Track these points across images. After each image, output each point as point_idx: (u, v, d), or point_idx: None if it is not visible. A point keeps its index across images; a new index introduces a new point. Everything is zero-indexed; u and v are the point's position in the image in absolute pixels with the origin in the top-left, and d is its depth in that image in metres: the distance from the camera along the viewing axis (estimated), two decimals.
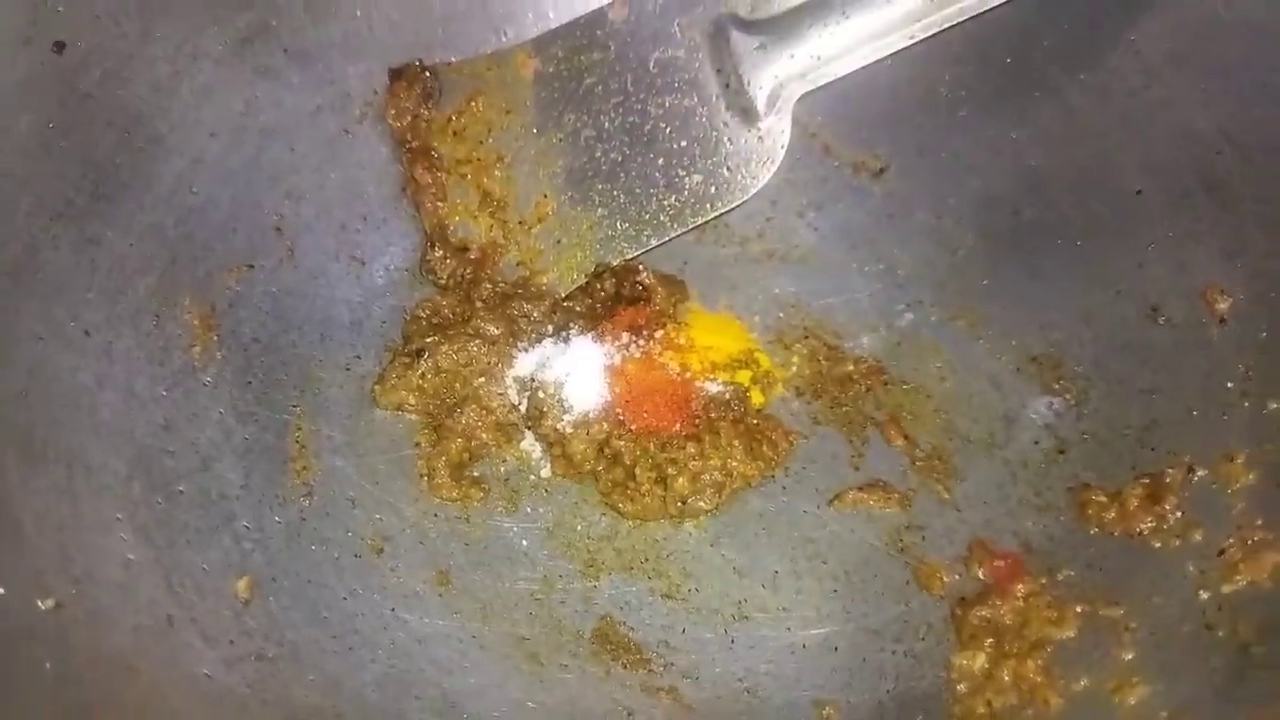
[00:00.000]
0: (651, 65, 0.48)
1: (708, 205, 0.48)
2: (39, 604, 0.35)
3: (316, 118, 0.52)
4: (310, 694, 0.39)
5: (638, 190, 0.48)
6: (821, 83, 0.45)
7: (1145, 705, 0.36)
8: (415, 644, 0.43)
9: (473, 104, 0.51)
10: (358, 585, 0.44)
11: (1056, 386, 0.48)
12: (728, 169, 0.47)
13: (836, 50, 0.44)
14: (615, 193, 0.49)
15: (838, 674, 0.42)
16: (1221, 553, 0.37)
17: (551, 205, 0.50)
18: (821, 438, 0.49)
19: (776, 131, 0.46)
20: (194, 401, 0.46)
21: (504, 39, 0.55)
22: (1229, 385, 0.42)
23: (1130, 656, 0.38)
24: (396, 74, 0.51)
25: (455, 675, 0.42)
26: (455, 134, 0.51)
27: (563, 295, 0.49)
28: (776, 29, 0.45)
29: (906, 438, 0.48)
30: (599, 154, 0.49)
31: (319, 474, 0.47)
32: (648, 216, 0.49)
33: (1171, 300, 0.43)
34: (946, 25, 0.42)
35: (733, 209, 0.48)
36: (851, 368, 0.50)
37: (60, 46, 0.44)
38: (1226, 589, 0.36)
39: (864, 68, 0.51)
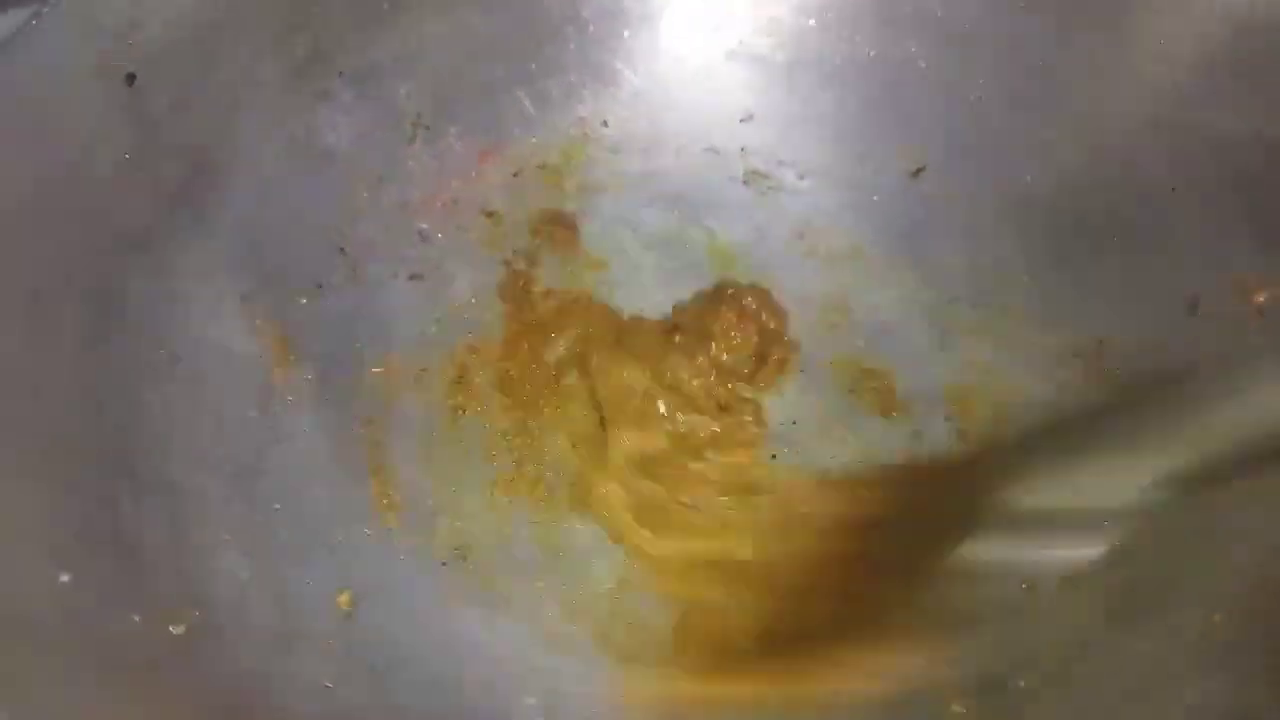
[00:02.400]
0: None
1: None
2: (171, 629, 0.37)
3: (371, 138, 0.53)
4: (422, 700, 0.41)
5: None
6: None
7: None
8: (508, 645, 0.44)
9: None
10: (448, 592, 0.46)
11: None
12: None
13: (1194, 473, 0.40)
14: None
15: None
16: None
17: None
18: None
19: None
20: (279, 422, 0.47)
21: (545, 55, 0.57)
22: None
23: None
24: None
25: (554, 674, 0.44)
26: None
27: None
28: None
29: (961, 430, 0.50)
30: None
31: (399, 485, 0.49)
32: None
33: (1209, 294, 0.44)
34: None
35: None
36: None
37: (131, 78, 0.46)
38: None
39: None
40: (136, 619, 0.36)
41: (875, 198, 0.56)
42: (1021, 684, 0.41)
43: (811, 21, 0.56)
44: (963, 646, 0.43)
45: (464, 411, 0.51)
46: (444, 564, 0.47)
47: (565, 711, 0.43)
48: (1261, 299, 0.44)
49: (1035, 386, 0.50)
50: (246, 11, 0.49)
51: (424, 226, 0.55)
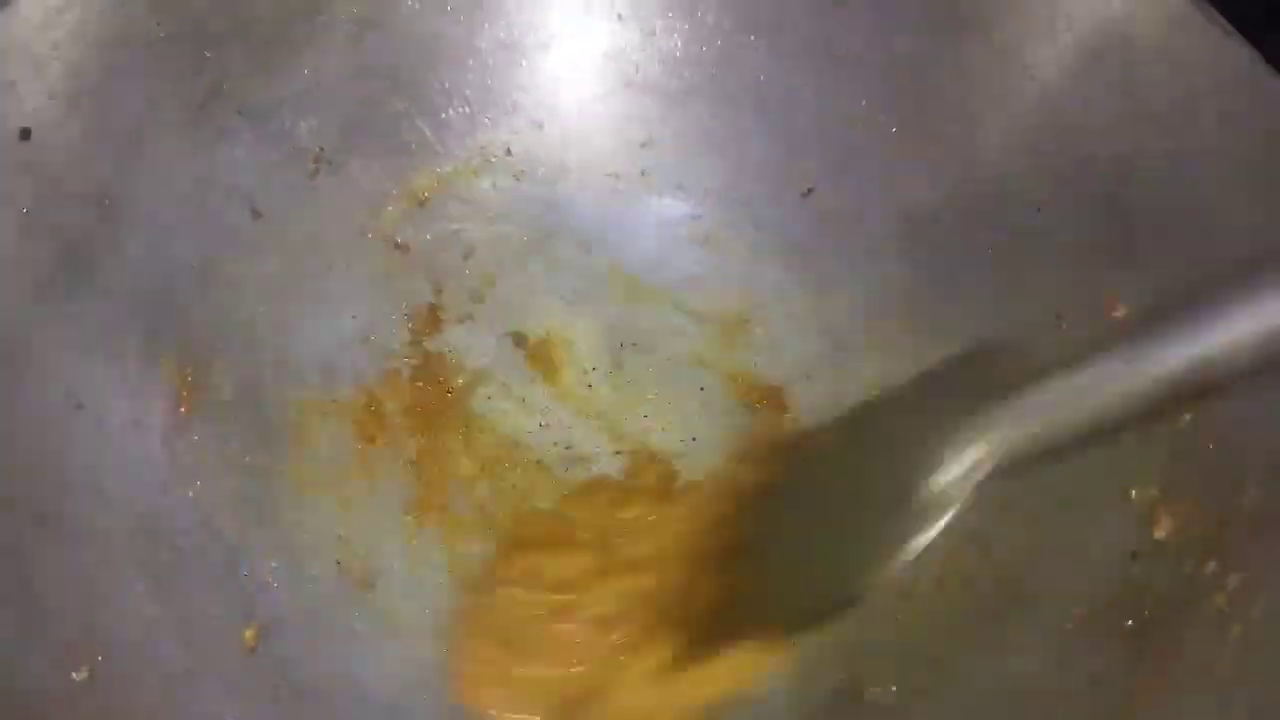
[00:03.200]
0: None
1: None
2: (73, 675, 0.38)
3: (273, 174, 0.55)
4: None
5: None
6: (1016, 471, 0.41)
7: None
8: (415, 672, 0.46)
9: None
10: (355, 622, 0.48)
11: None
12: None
13: (1032, 447, 0.40)
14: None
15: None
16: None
17: None
18: None
19: (946, 502, 0.42)
20: (184, 460, 0.48)
21: (446, 86, 0.58)
22: None
23: None
24: None
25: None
26: None
27: None
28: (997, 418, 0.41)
29: None
30: None
31: (308, 515, 0.50)
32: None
33: (1075, 308, 0.47)
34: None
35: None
36: None
37: (26, 133, 0.46)
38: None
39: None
40: (35, 663, 0.37)
41: (771, 218, 0.58)
42: (879, 692, 0.43)
43: (703, 49, 0.58)
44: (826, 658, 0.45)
45: (374, 442, 0.53)
46: (353, 594, 0.48)
47: None
48: (1120, 313, 0.47)
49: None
50: (143, 57, 0.49)
51: (334, 260, 0.56)
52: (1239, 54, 0.45)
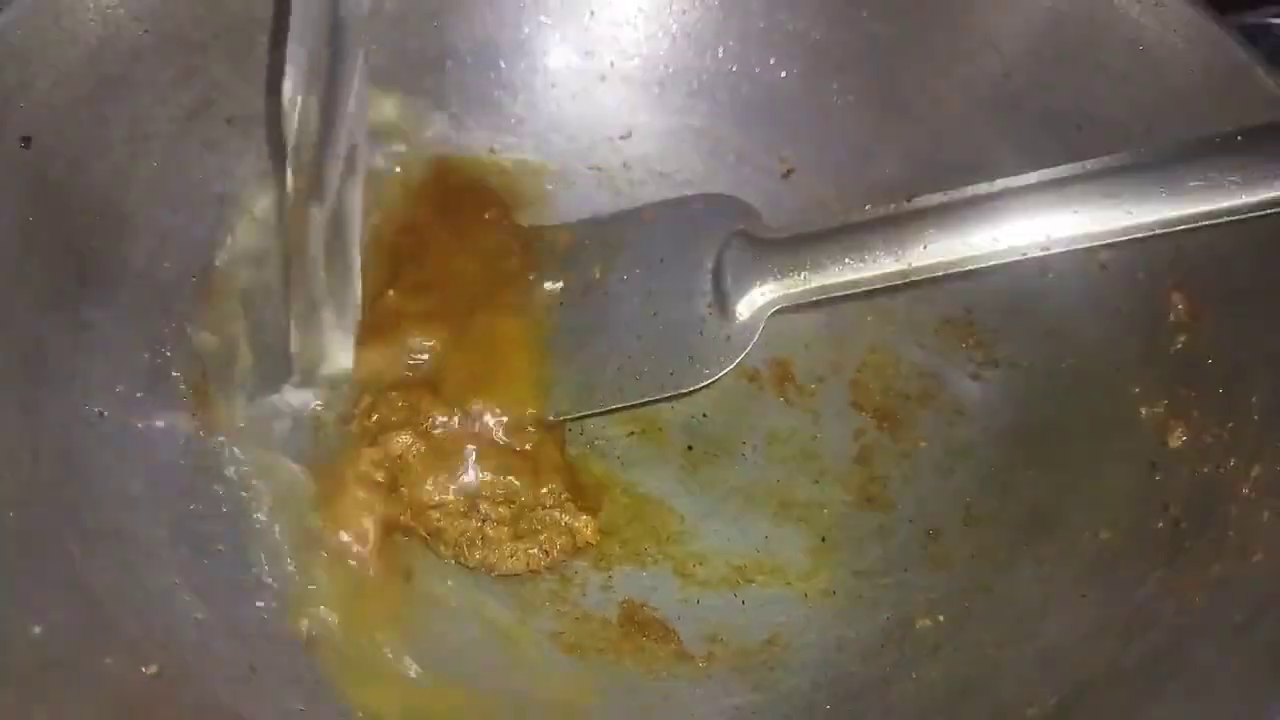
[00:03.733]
0: (661, 259, 0.53)
1: (659, 386, 0.50)
2: (144, 670, 0.37)
3: (265, 182, 0.54)
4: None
5: (603, 359, 0.52)
6: (800, 301, 0.48)
7: None
8: (466, 650, 0.46)
9: (504, 261, 0.55)
10: (398, 608, 0.47)
11: (972, 342, 0.55)
12: (690, 358, 0.50)
13: (824, 281, 0.47)
14: (583, 356, 0.52)
15: (840, 614, 0.48)
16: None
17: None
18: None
19: (745, 336, 0.49)
20: (208, 464, 0.48)
21: (425, 88, 0.59)
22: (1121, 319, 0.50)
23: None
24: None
25: (504, 673, 0.46)
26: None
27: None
28: (776, 250, 0.49)
29: (854, 403, 0.55)
30: (587, 321, 0.53)
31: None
32: (603, 383, 0.51)
33: (1060, 257, 0.50)
34: (937, 274, 0.45)
35: (680, 395, 0.51)
36: None
37: (27, 141, 0.46)
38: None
39: None
40: (109, 662, 0.36)
41: (754, 200, 0.59)
42: (930, 623, 0.45)
43: (675, 41, 0.60)
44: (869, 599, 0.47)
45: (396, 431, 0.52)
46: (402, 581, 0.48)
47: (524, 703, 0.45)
48: (1103, 256, 0.50)
49: (917, 354, 0.55)
50: (133, 67, 0.49)
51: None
52: (1187, 9, 0.49)
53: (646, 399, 0.51)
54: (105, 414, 0.45)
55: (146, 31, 0.50)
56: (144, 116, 0.50)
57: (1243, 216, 0.40)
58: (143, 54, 0.50)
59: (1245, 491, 0.39)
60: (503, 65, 0.60)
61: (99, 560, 0.40)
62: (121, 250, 0.49)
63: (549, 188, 0.61)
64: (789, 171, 0.61)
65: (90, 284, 0.47)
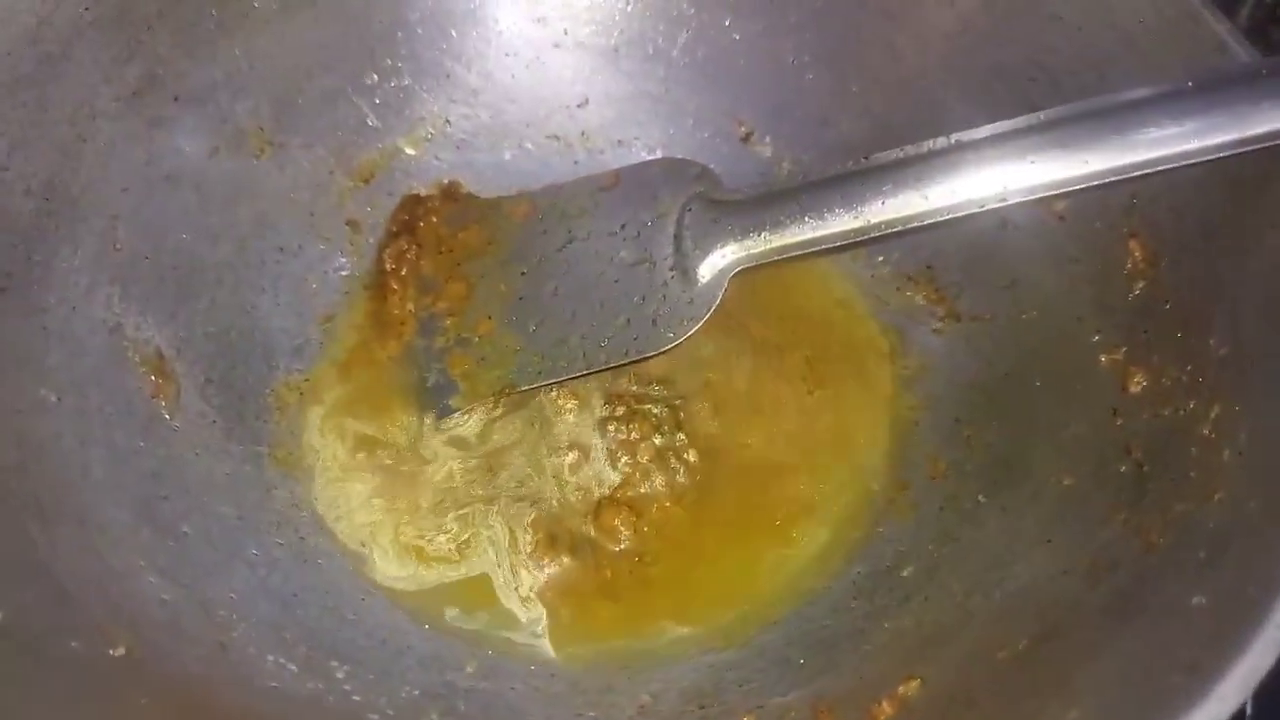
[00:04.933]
0: (623, 224, 0.53)
1: (625, 351, 0.50)
2: (110, 653, 0.37)
3: (215, 159, 0.54)
4: (366, 694, 0.42)
5: (569, 326, 0.52)
6: (762, 261, 0.48)
7: None
8: (428, 630, 0.46)
9: (464, 232, 0.55)
10: (367, 588, 0.47)
11: (934, 296, 0.55)
12: (654, 322, 0.50)
13: (784, 241, 0.47)
14: (548, 324, 0.52)
15: (811, 569, 0.48)
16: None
17: (491, 326, 0.53)
18: None
19: (707, 298, 0.49)
20: (170, 447, 0.47)
21: (377, 60, 0.58)
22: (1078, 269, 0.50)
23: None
24: (448, 191, 0.57)
25: (494, 640, 0.46)
26: (441, 253, 0.55)
27: (464, 408, 0.52)
28: (736, 211, 0.49)
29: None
30: (550, 288, 0.53)
31: (299, 494, 0.50)
32: (568, 350, 0.51)
33: (1019, 208, 0.50)
34: (889, 231, 0.45)
35: (645, 358, 0.51)
36: None
37: None
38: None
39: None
40: (75, 646, 0.36)
41: (713, 164, 0.59)
42: (900, 574, 0.46)
43: (629, 7, 0.60)
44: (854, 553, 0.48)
45: (349, 412, 0.52)
46: (357, 561, 0.48)
47: (505, 672, 0.45)
48: (1060, 207, 0.50)
49: (879, 309, 0.55)
50: (75, 46, 0.48)
51: (285, 241, 0.55)
52: None
53: (612, 364, 0.51)
54: (61, 399, 0.44)
55: (87, 9, 0.48)
56: (88, 96, 0.49)
57: (1195, 161, 0.41)
58: (84, 32, 0.48)
59: (1205, 432, 0.40)
60: (454, 35, 0.59)
61: (61, 545, 0.39)
62: (72, 232, 0.47)
63: (507, 157, 0.60)
64: (748, 134, 0.60)
65: (41, 267, 0.46)
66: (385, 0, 0.57)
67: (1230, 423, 0.39)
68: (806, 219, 0.47)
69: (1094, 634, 0.36)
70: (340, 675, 0.42)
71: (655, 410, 0.52)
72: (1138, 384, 0.44)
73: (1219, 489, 0.38)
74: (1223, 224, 0.43)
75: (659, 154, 0.61)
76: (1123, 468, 0.42)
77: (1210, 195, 0.43)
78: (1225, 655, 0.31)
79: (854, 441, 0.51)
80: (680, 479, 0.50)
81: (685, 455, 0.51)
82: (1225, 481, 0.38)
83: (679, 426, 0.52)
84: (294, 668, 0.41)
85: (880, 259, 0.57)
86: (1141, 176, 0.41)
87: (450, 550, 0.49)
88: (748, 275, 0.51)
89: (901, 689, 0.40)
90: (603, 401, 0.52)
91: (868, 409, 0.52)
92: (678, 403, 0.52)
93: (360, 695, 0.42)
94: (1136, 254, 0.46)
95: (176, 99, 0.52)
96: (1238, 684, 0.30)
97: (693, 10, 0.59)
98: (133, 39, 0.50)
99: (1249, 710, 0.43)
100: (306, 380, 0.53)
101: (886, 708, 0.39)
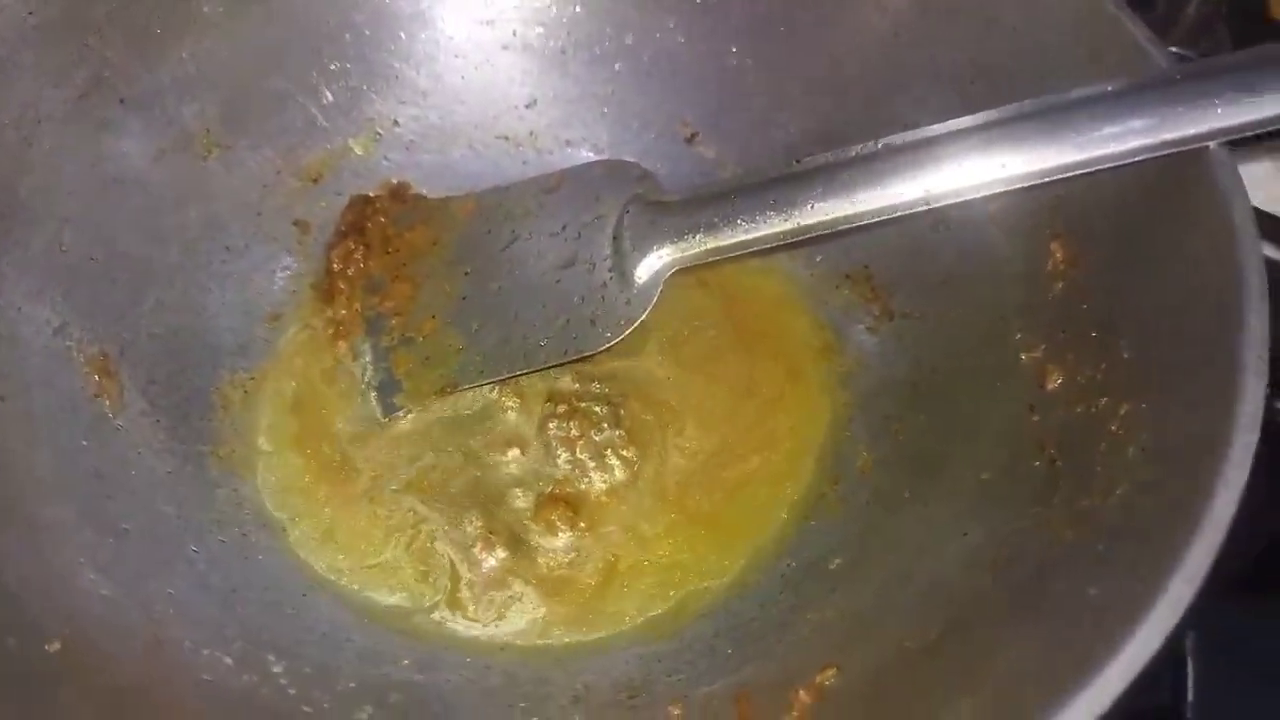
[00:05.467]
0: (564, 225, 0.54)
1: (564, 350, 0.52)
2: (46, 648, 0.38)
3: (162, 161, 0.54)
4: (302, 687, 0.43)
5: (511, 325, 0.53)
6: (697, 263, 0.50)
7: None
8: (368, 624, 0.47)
9: (410, 233, 0.56)
10: (309, 584, 0.48)
11: (870, 295, 0.57)
12: (592, 322, 0.52)
13: (718, 243, 0.49)
14: (490, 324, 0.53)
15: (744, 562, 0.50)
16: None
17: (435, 325, 0.54)
18: None
19: (643, 299, 0.51)
20: (114, 447, 0.48)
21: (325, 62, 0.59)
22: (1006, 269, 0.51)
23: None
24: (397, 192, 0.58)
25: (430, 636, 0.47)
26: (388, 253, 0.56)
27: (410, 409, 0.53)
28: (672, 213, 0.50)
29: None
30: (493, 288, 0.54)
31: (243, 491, 0.51)
32: (509, 349, 0.53)
33: (952, 209, 0.51)
34: (825, 231, 0.47)
35: (584, 357, 0.52)
36: None
37: None
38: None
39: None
40: (11, 642, 0.37)
41: (659, 165, 0.60)
42: (828, 567, 0.47)
43: (577, 9, 0.61)
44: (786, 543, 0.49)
45: (295, 409, 0.53)
46: (300, 557, 0.49)
47: (442, 665, 0.46)
48: (993, 208, 0.51)
49: (817, 308, 0.57)
50: (19, 50, 0.49)
51: (233, 242, 0.56)
52: None
53: (551, 363, 0.52)
54: (5, 399, 0.45)
55: (31, 14, 0.49)
56: (35, 100, 0.49)
57: (1115, 165, 0.42)
58: (29, 36, 0.49)
59: (1114, 429, 0.41)
60: (403, 36, 0.60)
61: (4, 545, 0.40)
62: (19, 236, 0.48)
63: (456, 157, 0.61)
64: (693, 136, 0.61)
65: None
66: (333, 2, 0.58)
67: (1138, 419, 0.40)
68: (740, 221, 0.48)
69: (994, 627, 0.38)
70: (277, 669, 0.43)
71: (596, 408, 0.53)
72: (1055, 381, 0.45)
73: (1122, 483, 0.39)
74: (1133, 228, 0.44)
75: (606, 155, 0.62)
76: (1037, 463, 0.43)
77: (1124, 199, 0.45)
78: (1113, 645, 0.32)
79: (790, 438, 0.52)
80: (618, 475, 0.51)
81: (623, 452, 0.52)
82: (1127, 478, 0.39)
83: (618, 424, 0.52)
84: (229, 661, 0.42)
85: (819, 258, 0.58)
86: (1067, 179, 0.43)
87: (392, 545, 0.49)
88: (686, 274, 0.52)
89: (819, 678, 0.41)
90: (544, 399, 0.53)
91: (803, 406, 0.53)
92: (618, 400, 0.53)
93: (295, 689, 0.43)
94: (1058, 255, 0.48)
95: (123, 102, 0.53)
96: (1121, 671, 0.32)
97: (638, 14, 0.60)
98: (79, 43, 0.51)
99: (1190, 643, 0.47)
100: (251, 379, 0.54)
101: (804, 696, 0.40)
